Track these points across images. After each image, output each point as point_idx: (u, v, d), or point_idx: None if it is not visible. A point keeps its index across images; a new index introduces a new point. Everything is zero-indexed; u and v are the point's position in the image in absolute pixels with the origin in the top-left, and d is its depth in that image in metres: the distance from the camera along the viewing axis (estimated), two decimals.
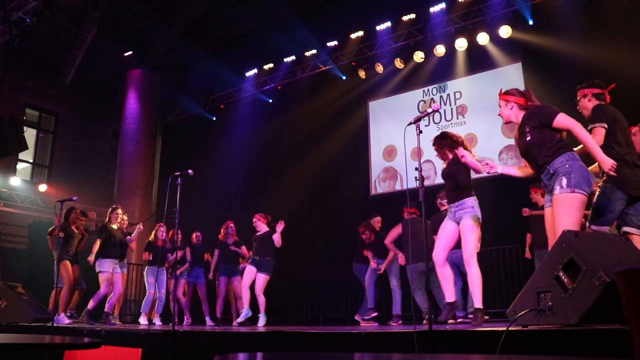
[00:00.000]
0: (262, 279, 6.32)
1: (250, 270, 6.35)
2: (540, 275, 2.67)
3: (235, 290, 7.38)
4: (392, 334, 3.18)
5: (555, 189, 3.03)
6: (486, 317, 5.89)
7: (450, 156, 4.12)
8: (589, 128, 3.36)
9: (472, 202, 3.84)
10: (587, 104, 3.59)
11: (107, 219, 6.82)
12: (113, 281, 6.55)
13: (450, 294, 3.88)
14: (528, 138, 3.21)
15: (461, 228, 3.80)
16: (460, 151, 3.84)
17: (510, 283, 6.43)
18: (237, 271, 7.37)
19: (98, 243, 6.54)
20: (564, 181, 2.99)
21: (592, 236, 2.71)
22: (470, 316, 5.60)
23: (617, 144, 3.36)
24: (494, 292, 6.36)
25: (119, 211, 6.91)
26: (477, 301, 3.70)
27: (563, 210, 2.96)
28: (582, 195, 2.96)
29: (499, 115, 3.49)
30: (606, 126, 3.35)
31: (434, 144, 4.35)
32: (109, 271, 6.48)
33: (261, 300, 6.35)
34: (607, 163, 2.98)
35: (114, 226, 6.76)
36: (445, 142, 4.17)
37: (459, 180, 3.94)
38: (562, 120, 3.12)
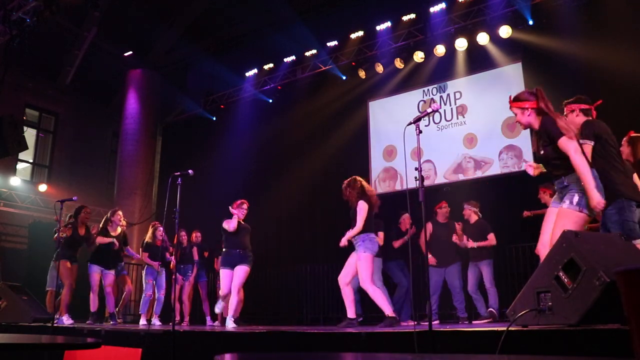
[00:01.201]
0: (244, 272, 5.68)
1: (242, 269, 5.69)
2: (540, 275, 2.67)
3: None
4: (392, 334, 3.18)
5: (564, 202, 3.04)
6: (489, 319, 6.01)
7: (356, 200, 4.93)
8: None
9: (363, 238, 4.79)
10: (575, 119, 3.64)
11: (104, 222, 6.78)
12: (103, 280, 6.57)
13: (351, 311, 4.86)
14: (542, 152, 3.19)
15: (357, 259, 4.80)
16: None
17: (510, 283, 6.43)
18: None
19: (99, 240, 6.57)
20: (575, 198, 2.99)
21: (592, 236, 2.72)
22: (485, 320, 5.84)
23: (604, 157, 3.42)
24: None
25: (120, 213, 6.88)
26: (387, 310, 4.63)
27: (564, 225, 2.93)
28: (587, 216, 3.00)
29: (517, 122, 3.36)
30: (591, 143, 3.42)
31: (345, 187, 5.13)
32: (97, 272, 6.55)
33: (239, 298, 5.76)
34: (594, 200, 2.91)
35: (114, 234, 6.74)
36: (356, 189, 4.99)
37: (357, 222, 4.82)
38: (563, 145, 3.05)
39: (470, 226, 6.43)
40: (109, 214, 6.85)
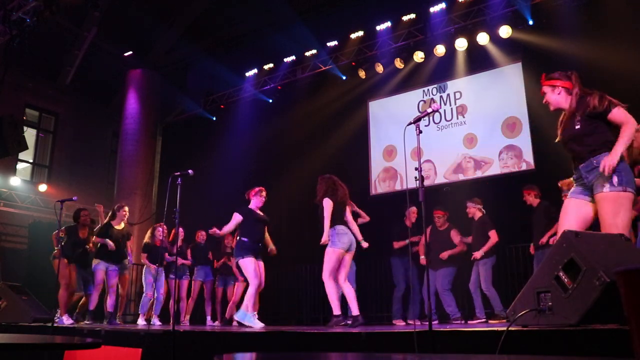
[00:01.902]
0: (263, 269, 5.50)
1: (261, 265, 5.42)
2: (540, 275, 2.66)
3: (236, 295, 7.35)
4: (392, 334, 3.18)
5: (603, 187, 2.87)
6: (482, 320, 6.02)
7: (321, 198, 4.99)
8: None
9: (331, 232, 4.82)
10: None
11: (110, 216, 6.77)
12: (107, 279, 6.56)
13: (354, 308, 4.78)
14: (577, 127, 3.02)
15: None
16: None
17: (510, 283, 6.43)
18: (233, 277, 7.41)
19: (95, 239, 6.56)
20: (615, 179, 2.82)
21: (592, 236, 2.71)
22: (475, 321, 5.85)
23: None
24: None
25: (126, 209, 6.87)
26: (335, 309, 4.69)
27: (614, 209, 2.80)
28: (632, 194, 2.82)
29: (545, 102, 3.25)
30: None
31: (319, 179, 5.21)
32: (102, 270, 6.51)
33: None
34: (611, 162, 2.82)
35: (118, 227, 6.73)
36: (326, 185, 5.05)
37: (324, 222, 4.88)
38: (620, 114, 2.94)
39: (474, 223, 6.42)
40: (115, 208, 6.84)
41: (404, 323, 6.46)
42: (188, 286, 7.68)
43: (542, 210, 5.89)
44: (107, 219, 6.77)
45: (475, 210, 6.46)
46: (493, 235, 6.17)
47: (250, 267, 5.16)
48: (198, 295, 7.80)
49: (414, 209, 6.58)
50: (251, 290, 5.11)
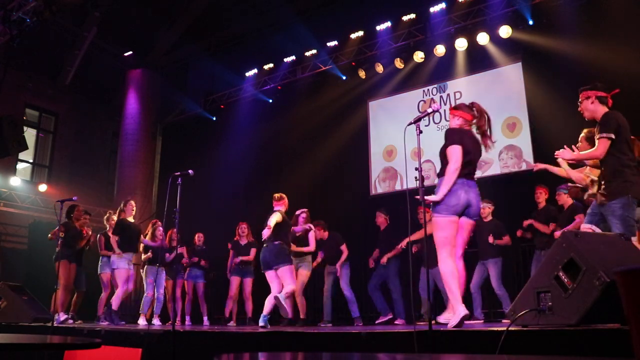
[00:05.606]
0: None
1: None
2: (540, 275, 2.67)
3: (245, 291, 7.34)
4: (392, 334, 3.18)
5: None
6: (481, 321, 6.02)
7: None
8: (596, 137, 3.38)
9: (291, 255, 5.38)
10: (590, 106, 3.55)
11: (118, 213, 6.75)
12: (118, 275, 6.52)
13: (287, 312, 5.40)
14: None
15: None
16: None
17: (510, 283, 6.43)
18: (249, 272, 7.33)
19: (116, 239, 6.52)
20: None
21: (592, 236, 2.71)
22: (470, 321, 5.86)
23: (621, 152, 3.38)
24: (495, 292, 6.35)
25: (133, 202, 6.86)
26: (288, 313, 5.30)
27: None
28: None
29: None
30: (613, 136, 3.37)
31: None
32: (126, 267, 6.44)
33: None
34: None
35: (130, 219, 6.71)
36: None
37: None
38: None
39: (485, 224, 6.33)
40: (122, 204, 6.79)
41: (403, 321, 6.46)
42: (182, 287, 7.68)
43: (546, 210, 5.91)
44: (116, 216, 6.78)
45: (489, 212, 6.39)
46: (506, 239, 6.17)
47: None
48: (194, 295, 7.80)
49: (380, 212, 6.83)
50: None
